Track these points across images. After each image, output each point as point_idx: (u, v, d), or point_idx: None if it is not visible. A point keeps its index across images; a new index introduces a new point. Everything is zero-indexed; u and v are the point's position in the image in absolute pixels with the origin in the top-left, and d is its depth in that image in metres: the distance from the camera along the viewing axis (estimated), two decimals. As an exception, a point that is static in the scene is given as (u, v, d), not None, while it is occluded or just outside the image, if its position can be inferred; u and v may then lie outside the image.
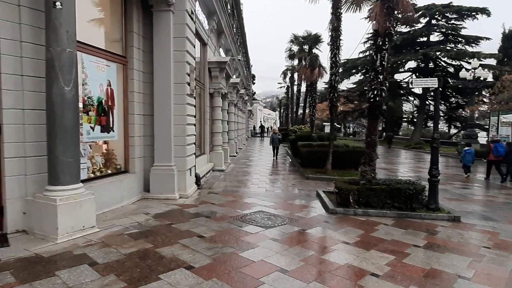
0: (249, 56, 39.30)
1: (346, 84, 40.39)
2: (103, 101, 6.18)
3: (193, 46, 7.84)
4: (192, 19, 7.56)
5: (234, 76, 17.62)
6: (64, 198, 4.43)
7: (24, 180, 4.69)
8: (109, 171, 6.53)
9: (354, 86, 39.76)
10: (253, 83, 47.02)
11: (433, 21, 34.27)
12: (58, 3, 4.32)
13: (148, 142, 7.28)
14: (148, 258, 3.89)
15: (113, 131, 6.53)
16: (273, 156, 17.30)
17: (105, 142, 6.74)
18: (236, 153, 18.84)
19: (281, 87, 51.09)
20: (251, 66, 43.73)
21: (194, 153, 8.29)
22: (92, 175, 6.01)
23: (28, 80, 4.66)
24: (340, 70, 12.08)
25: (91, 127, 5.89)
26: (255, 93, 55.30)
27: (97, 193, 4.97)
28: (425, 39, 35.01)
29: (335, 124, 12.63)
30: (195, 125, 8.43)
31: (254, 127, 54.64)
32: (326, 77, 18.63)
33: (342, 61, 16.54)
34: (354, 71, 39.36)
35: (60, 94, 4.44)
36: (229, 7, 16.21)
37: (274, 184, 9.80)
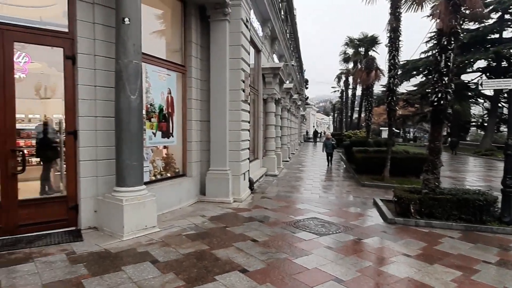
0: (302, 61, 39.12)
1: (405, 87, 38.24)
2: (164, 108, 6.57)
3: (248, 54, 8.02)
4: (247, 27, 7.74)
5: (287, 82, 17.64)
6: (130, 198, 4.77)
7: (96, 181, 5.15)
8: (169, 174, 6.89)
9: (415, 88, 37.51)
10: (306, 88, 46.68)
11: (507, 16, 31.17)
12: (126, 19, 4.71)
13: (205, 147, 7.56)
14: (205, 259, 4.03)
15: (173, 136, 6.90)
16: (327, 163, 16.29)
17: (165, 147, 7.16)
18: (289, 158, 18.79)
19: (335, 91, 50.06)
20: (304, 70, 43.46)
21: (248, 158, 8.44)
22: (153, 178, 6.39)
23: (100, 90, 5.13)
24: (399, 72, 11.49)
25: (153, 133, 6.28)
26: (308, 97, 54.81)
27: (158, 195, 5.28)
28: (497, 36, 31.91)
29: (394, 129, 12.02)
30: (249, 130, 8.59)
31: (307, 132, 54.07)
32: (384, 80, 17.84)
33: (401, 63, 15.77)
34: (414, 72, 37.16)
35: (126, 102, 4.81)
36: (282, 13, 16.31)
37: (327, 191, 9.60)
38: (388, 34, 10.80)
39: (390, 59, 10.97)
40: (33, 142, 6.96)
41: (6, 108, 4.56)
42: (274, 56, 15.24)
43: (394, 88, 11.01)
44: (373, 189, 9.92)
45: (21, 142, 5.60)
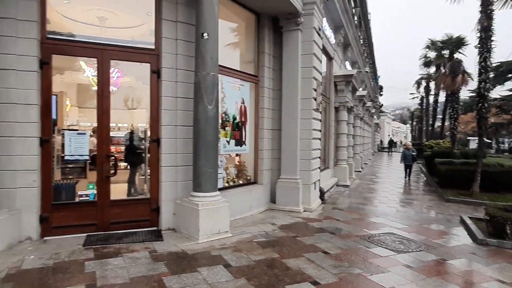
0: (376, 67, 37.40)
1: (499, 91, 33.99)
2: (237, 117, 6.81)
3: (320, 62, 7.94)
4: (319, 35, 7.68)
5: (361, 89, 16.99)
6: (205, 203, 5.02)
7: (175, 185, 5.53)
8: (241, 182, 7.09)
9: (511, 93, 33.16)
10: (381, 95, 44.37)
11: None
12: (205, 34, 5.02)
13: (276, 155, 7.63)
14: (275, 267, 4.03)
15: (245, 144, 7.10)
16: (405, 176, 14.58)
17: (237, 155, 7.40)
18: (362, 168, 17.98)
19: (413, 97, 46.60)
20: (379, 77, 41.42)
21: (319, 167, 8.28)
22: (226, 185, 6.64)
23: (180, 101, 5.53)
24: (491, 75, 10.26)
25: (227, 141, 6.54)
26: (382, 105, 52.02)
27: (230, 201, 5.45)
28: None
29: (484, 138, 10.75)
30: (320, 139, 8.45)
31: (381, 141, 51.22)
32: (472, 85, 16.12)
33: (494, 65, 14.07)
34: (510, 75, 32.88)
35: (204, 112, 5.10)
36: (355, 19, 15.85)
37: (406, 205, 8.93)
38: (478, 34, 9.77)
39: (480, 62, 9.89)
40: (122, 148, 7.78)
41: (103, 118, 5.17)
42: (347, 63, 14.84)
43: (486, 93, 9.88)
44: (459, 205, 8.96)
45: (112, 149, 6.24)
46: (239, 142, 6.92)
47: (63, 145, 5.34)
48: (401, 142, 60.92)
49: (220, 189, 5.63)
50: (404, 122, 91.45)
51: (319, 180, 8.25)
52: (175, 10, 5.47)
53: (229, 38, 7.23)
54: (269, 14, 7.31)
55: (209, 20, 5.06)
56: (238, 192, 6.61)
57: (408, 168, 14.57)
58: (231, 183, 6.81)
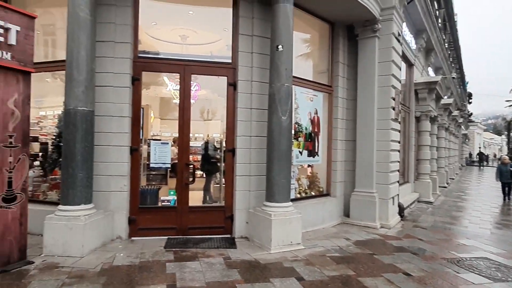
0: (464, 72, 33.93)
1: None
2: (310, 127, 6.73)
3: (399, 69, 7.49)
4: (398, 41, 7.26)
5: (446, 97, 15.56)
6: (277, 214, 5.02)
7: (248, 194, 5.64)
8: (313, 193, 6.95)
9: None
10: (469, 103, 40.04)
11: None
12: (280, 47, 5.10)
13: (349, 167, 7.34)
14: (351, 285, 3.83)
15: (318, 155, 6.97)
16: (503, 195, 12.39)
17: (310, 166, 7.29)
18: (447, 184, 16.33)
19: (510, 105, 41.22)
20: (467, 83, 37.51)
21: (398, 181, 7.74)
22: (298, 196, 6.57)
23: (255, 112, 5.67)
24: None
25: (299, 152, 6.49)
26: (471, 114, 46.88)
27: (302, 213, 5.37)
28: None
29: None
30: (399, 151, 7.91)
31: (470, 154, 46.07)
32: None
33: None
34: None
35: (278, 123, 5.15)
36: (439, 21, 14.67)
37: (503, 227, 7.82)
38: None
39: None
40: (198, 157, 8.22)
41: (184, 128, 5.55)
42: (429, 69, 13.75)
43: None
44: None
45: (190, 158, 6.64)
46: (312, 153, 6.82)
47: (148, 154, 5.85)
48: (494, 156, 54.12)
49: (292, 200, 5.59)
50: (499, 133, 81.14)
51: (398, 194, 7.69)
52: (251, 25, 5.67)
53: (302, 49, 7.24)
54: (344, 23, 7.15)
55: (284, 33, 5.13)
56: (310, 204, 6.49)
57: (506, 186, 12.42)
58: (303, 194, 6.72)
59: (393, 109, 7.15)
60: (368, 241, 5.86)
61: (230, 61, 5.75)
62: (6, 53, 3.82)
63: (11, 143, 3.90)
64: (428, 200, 10.98)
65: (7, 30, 3.80)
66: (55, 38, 6.35)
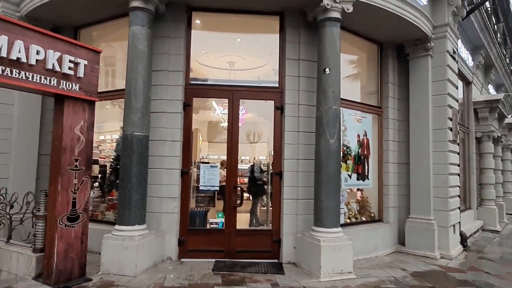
0: (529, 89, 31.14)
1: None
2: (359, 150, 6.52)
3: (456, 88, 7.06)
4: (454, 59, 6.89)
5: (510, 116, 14.32)
6: (327, 239, 4.84)
7: (296, 218, 5.53)
8: (363, 218, 6.64)
9: None
10: (538, 121, 36.37)
11: None
12: (327, 70, 5.09)
13: (403, 191, 6.93)
14: (409, 322, 3.53)
15: (368, 179, 6.69)
16: None
17: (359, 190, 7.00)
18: (516, 211, 14.74)
19: None
20: (534, 100, 34.28)
21: (458, 207, 7.14)
22: (348, 221, 6.30)
23: (302, 135, 5.63)
24: None
25: (348, 175, 6.29)
26: (541, 133, 42.43)
27: (352, 239, 5.13)
28: None
29: None
30: (459, 175, 7.34)
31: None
32: None
33: None
34: None
35: (326, 145, 5.05)
36: (499, 36, 13.76)
37: None
38: None
39: None
40: (245, 180, 8.29)
41: (232, 151, 5.66)
42: (490, 86, 12.82)
43: None
44: None
45: (237, 180, 6.71)
46: (361, 176, 6.57)
47: (197, 176, 6.02)
48: None
49: (341, 225, 5.37)
50: None
51: (459, 222, 7.08)
52: (298, 49, 5.73)
53: (350, 70, 7.14)
54: (393, 43, 6.97)
55: (331, 56, 5.12)
56: (361, 230, 6.19)
57: None
58: (353, 220, 6.44)
59: (451, 130, 6.70)
60: (427, 272, 5.41)
61: (277, 85, 5.83)
62: (75, 85, 4.22)
63: (76, 166, 4.23)
64: (494, 229, 9.96)
65: (76, 64, 4.22)
66: (114, 68, 6.91)
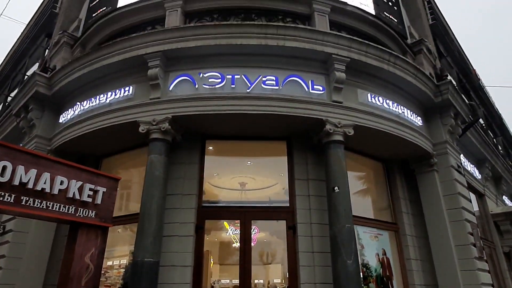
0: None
1: None
2: (381, 270, 6.10)
3: (469, 201, 6.99)
4: (460, 173, 7.03)
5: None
6: None
7: None
8: None
9: None
10: None
11: None
12: (336, 188, 5.21)
13: (436, 319, 6.18)
14: None
15: (395, 305, 6.07)
16: None
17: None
18: None
19: None
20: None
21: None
22: None
23: (317, 256, 5.41)
24: None
25: (372, 301, 5.74)
26: None
27: None
28: None
29: None
30: (495, 297, 6.62)
31: None
32: None
33: None
34: None
35: (343, 267, 4.80)
36: (500, 149, 14.22)
37: None
38: None
39: None
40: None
41: (245, 275, 5.34)
42: (504, 198, 12.63)
43: None
44: None
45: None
46: (387, 302, 5.97)
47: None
48: None
49: None
50: None
51: None
52: (306, 169, 5.98)
53: (358, 187, 7.24)
54: (397, 160, 7.24)
55: (338, 175, 5.32)
56: None
57: None
58: None
59: (474, 245, 6.36)
60: None
61: (288, 204, 5.89)
62: (92, 212, 4.33)
63: (81, 297, 3.99)
64: None
65: (96, 192, 4.41)
66: (129, 192, 7.14)
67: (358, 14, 7.04)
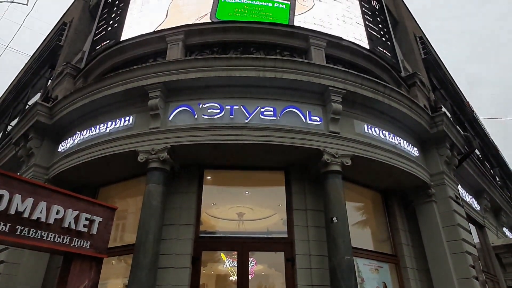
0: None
1: None
2: (383, 306, 5.92)
3: (469, 233, 6.91)
4: (459, 204, 7.00)
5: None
6: None
7: None
8: None
9: None
10: None
11: None
12: (334, 219, 5.17)
13: None
14: None
15: None
16: None
17: None
18: None
19: None
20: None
21: None
22: None
23: (316, 289, 5.25)
24: None
25: (374, 338, 5.52)
26: None
27: None
28: None
29: None
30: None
31: None
32: None
33: None
34: None
35: (343, 301, 4.65)
36: (498, 180, 14.23)
37: None
38: None
39: None
40: None
41: (242, 311, 5.16)
42: (505, 229, 12.49)
43: None
44: None
45: None
46: None
47: None
48: None
49: None
50: None
51: None
52: (304, 200, 5.96)
53: (357, 217, 7.16)
54: (396, 190, 7.22)
55: (336, 205, 5.30)
56: None
57: None
58: None
59: (477, 279, 6.22)
60: None
61: (286, 235, 5.82)
62: (87, 242, 4.24)
63: (70, 335, 3.83)
64: None
65: (92, 221, 4.35)
66: (125, 222, 7.02)
67: (353, 48, 7.32)
